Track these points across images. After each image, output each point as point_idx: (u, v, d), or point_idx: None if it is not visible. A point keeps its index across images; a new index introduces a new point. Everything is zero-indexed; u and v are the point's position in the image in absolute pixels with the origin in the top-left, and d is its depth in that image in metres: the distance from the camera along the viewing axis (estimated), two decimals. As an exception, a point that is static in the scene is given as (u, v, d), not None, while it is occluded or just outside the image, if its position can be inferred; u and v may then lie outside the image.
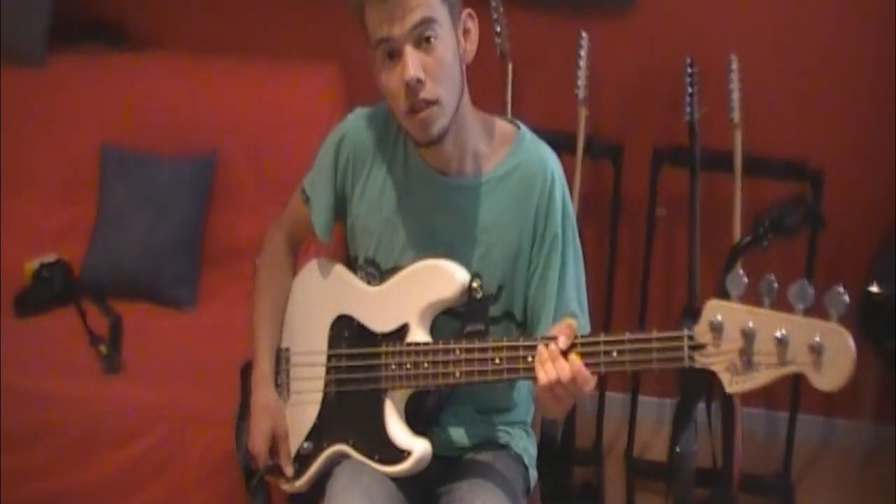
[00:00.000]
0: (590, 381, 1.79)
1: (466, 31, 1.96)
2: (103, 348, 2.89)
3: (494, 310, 2.04)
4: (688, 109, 3.18)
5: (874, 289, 2.95)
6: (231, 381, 2.28)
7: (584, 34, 3.20)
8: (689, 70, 3.21)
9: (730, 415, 2.94)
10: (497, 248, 2.02)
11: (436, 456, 1.99)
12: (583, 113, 3.19)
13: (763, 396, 3.58)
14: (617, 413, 3.58)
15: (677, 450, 2.83)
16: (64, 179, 3.37)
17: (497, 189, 2.03)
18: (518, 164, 2.03)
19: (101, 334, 2.95)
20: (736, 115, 3.15)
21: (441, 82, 1.89)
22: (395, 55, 1.88)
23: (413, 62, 1.86)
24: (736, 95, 3.15)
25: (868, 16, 3.30)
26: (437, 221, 2.04)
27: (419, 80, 1.86)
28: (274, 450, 2.14)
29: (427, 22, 1.86)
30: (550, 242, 2.02)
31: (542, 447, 2.31)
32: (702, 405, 3.05)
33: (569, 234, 2.05)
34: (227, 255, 3.27)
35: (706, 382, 3.01)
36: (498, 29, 3.20)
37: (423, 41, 1.87)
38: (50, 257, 3.20)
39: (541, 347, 1.81)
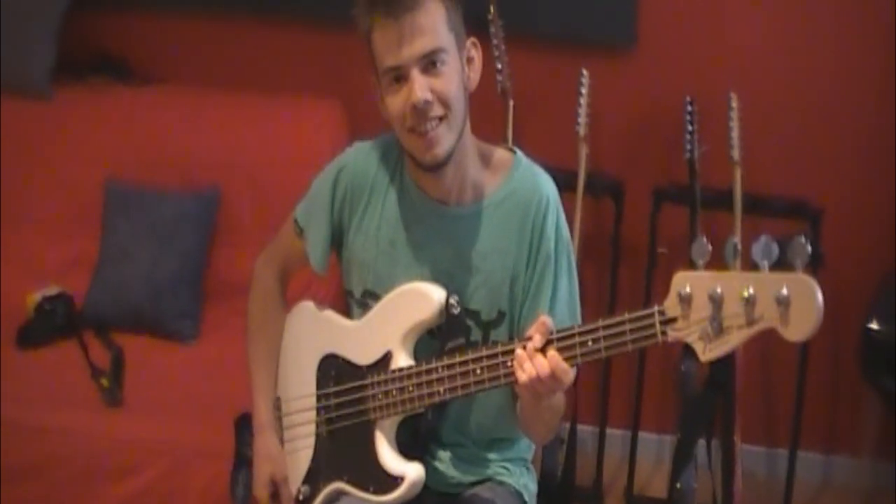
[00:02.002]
0: (568, 373, 1.78)
1: (470, 60, 1.98)
2: (105, 382, 2.89)
3: (497, 334, 2.04)
4: (688, 147, 3.20)
5: (874, 326, 2.95)
6: (232, 416, 2.29)
7: (584, 72, 3.22)
8: (689, 108, 3.22)
9: (729, 452, 2.94)
10: (497, 274, 2.03)
11: (436, 493, 2.00)
12: (583, 150, 3.21)
13: (763, 434, 3.58)
14: (617, 450, 3.57)
15: (678, 486, 2.83)
16: (67, 213, 3.39)
17: (494, 215, 2.03)
18: (513, 190, 2.04)
19: (103, 368, 2.95)
20: (736, 154, 3.16)
21: (447, 105, 1.91)
22: (401, 79, 1.90)
23: (420, 85, 1.88)
24: (736, 134, 3.17)
25: (869, 54, 3.32)
26: (437, 251, 2.05)
27: (427, 101, 1.88)
28: (275, 496, 2.15)
29: (436, 51, 1.89)
30: (543, 264, 2.02)
31: (542, 484, 2.30)
32: (702, 442, 3.04)
33: (562, 257, 2.05)
34: (230, 290, 3.26)
35: (707, 420, 3.02)
36: (499, 66, 3.22)
37: (430, 66, 1.89)
38: (52, 290, 3.21)
39: (518, 350, 1.81)
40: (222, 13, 3.60)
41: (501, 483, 2.16)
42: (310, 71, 3.60)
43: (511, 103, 3.24)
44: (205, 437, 2.69)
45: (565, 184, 3.17)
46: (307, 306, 2.21)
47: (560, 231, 2.05)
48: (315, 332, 2.17)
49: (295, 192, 2.92)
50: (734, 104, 3.18)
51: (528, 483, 2.21)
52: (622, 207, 3.39)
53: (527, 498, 2.19)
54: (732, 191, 3.17)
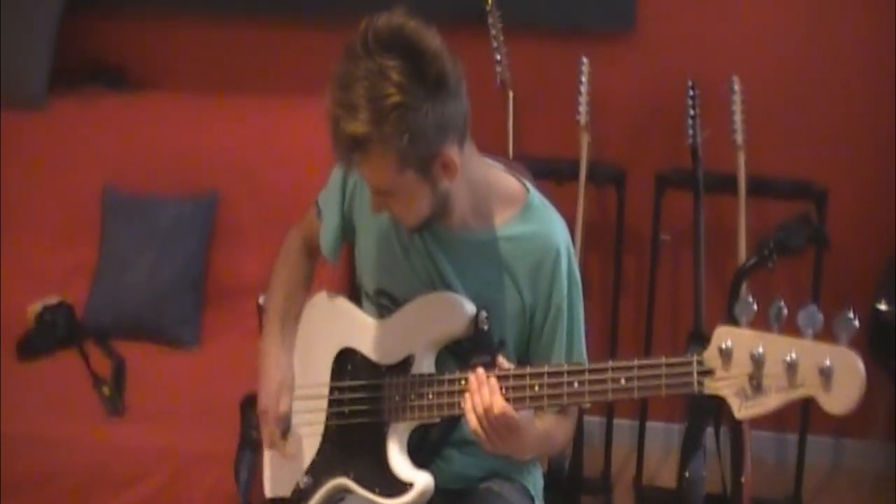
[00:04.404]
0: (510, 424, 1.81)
1: (446, 166, 1.84)
2: (107, 390, 2.88)
3: None
4: (690, 132, 3.18)
5: (882, 307, 2.94)
6: (235, 422, 2.27)
7: (584, 59, 3.20)
8: (691, 93, 3.20)
9: (739, 439, 2.92)
10: (502, 305, 2.00)
11: (442, 489, 1.98)
12: (585, 139, 3.19)
13: (772, 419, 3.54)
14: (625, 440, 3.55)
15: (686, 475, 2.80)
16: (66, 221, 3.37)
17: (504, 249, 1.99)
18: (527, 234, 1.99)
19: (105, 377, 2.94)
20: (739, 137, 3.14)
21: (404, 214, 1.91)
22: None
23: (373, 202, 1.90)
24: (738, 117, 3.15)
25: (872, 35, 3.30)
26: (444, 268, 2.01)
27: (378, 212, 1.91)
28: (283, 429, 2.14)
29: (383, 192, 1.86)
30: (555, 312, 2.01)
31: (549, 477, 2.30)
32: (710, 430, 3.02)
33: (575, 305, 2.03)
34: (231, 295, 3.26)
35: (715, 407, 2.99)
36: (498, 57, 3.20)
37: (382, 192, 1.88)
38: (52, 300, 3.19)
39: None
40: (216, 17, 3.58)
41: (508, 478, 2.15)
42: (307, 73, 3.55)
43: (511, 94, 3.22)
44: (207, 443, 2.66)
45: (567, 172, 3.18)
46: (328, 296, 2.20)
47: (573, 277, 2.02)
48: (334, 323, 2.15)
49: (294, 195, 2.92)
50: (737, 87, 3.16)
51: (535, 477, 2.21)
52: (625, 194, 3.37)
53: (534, 492, 2.19)
54: (736, 174, 3.15)
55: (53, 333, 3.13)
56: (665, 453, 3.61)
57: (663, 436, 3.62)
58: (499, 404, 1.80)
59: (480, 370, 1.85)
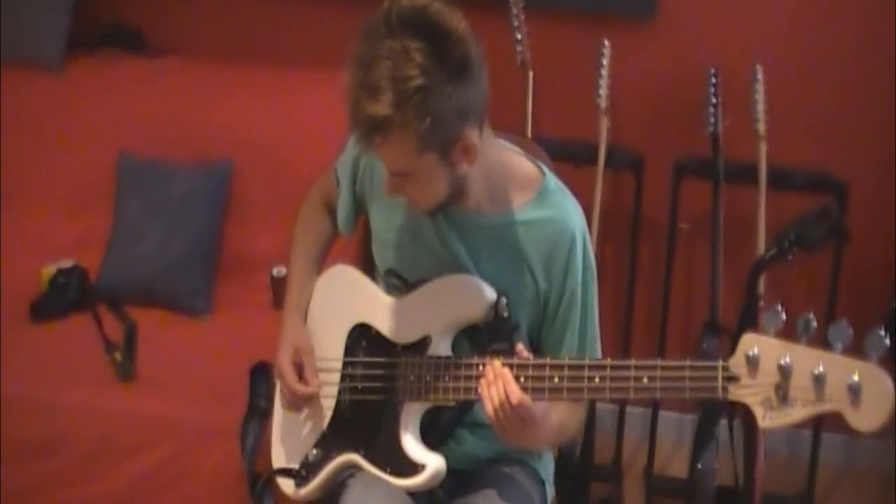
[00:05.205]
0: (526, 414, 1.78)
1: (466, 150, 1.82)
2: (118, 356, 2.86)
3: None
4: (711, 120, 3.14)
5: (901, 302, 2.92)
6: (244, 394, 2.25)
7: (606, 42, 3.17)
8: (713, 80, 3.17)
9: (752, 432, 2.89)
10: (513, 291, 1.97)
11: (451, 469, 1.96)
12: (604, 123, 3.16)
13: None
14: (637, 429, 3.53)
15: (698, 466, 2.78)
16: (80, 186, 3.35)
17: (518, 235, 1.97)
18: (540, 218, 1.97)
19: (116, 342, 2.93)
20: (760, 127, 3.11)
21: (420, 197, 1.87)
22: None
23: (388, 186, 1.87)
24: (760, 106, 3.12)
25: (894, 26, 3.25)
26: (457, 251, 1.99)
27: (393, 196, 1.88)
28: (298, 363, 2.10)
29: (400, 174, 1.83)
30: (569, 299, 1.99)
31: (559, 463, 2.28)
32: (723, 422, 3.00)
33: (589, 292, 2.01)
34: (243, 265, 3.25)
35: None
36: (518, 37, 3.17)
37: (400, 175, 1.84)
38: (67, 263, 3.18)
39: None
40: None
41: (519, 461, 2.14)
42: (326, 46, 3.52)
43: (531, 75, 3.19)
44: (216, 414, 2.64)
45: (585, 156, 3.15)
46: (345, 269, 2.18)
47: (587, 264, 2.00)
48: (351, 297, 2.13)
49: (308, 166, 2.91)
50: (759, 76, 3.13)
51: (545, 462, 2.19)
52: (642, 181, 3.34)
53: (544, 476, 2.18)
54: (756, 165, 3.12)
55: (66, 296, 3.12)
56: (677, 443, 3.59)
57: (676, 426, 3.60)
58: (516, 395, 1.78)
59: (497, 363, 1.82)
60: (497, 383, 1.80)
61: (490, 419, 1.82)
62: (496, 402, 1.79)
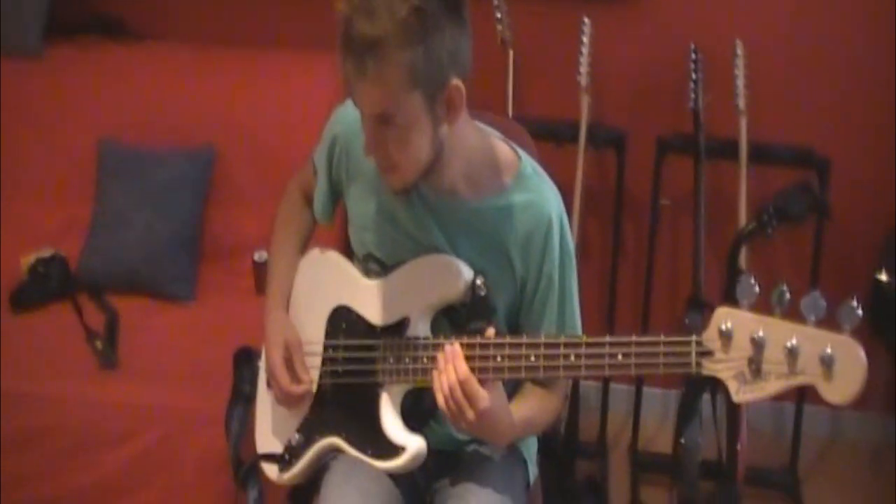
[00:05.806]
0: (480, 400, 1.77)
1: (451, 102, 1.79)
2: (99, 344, 2.86)
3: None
4: (692, 97, 3.14)
5: (883, 278, 2.92)
6: (228, 381, 2.25)
7: (586, 20, 3.17)
8: (694, 56, 3.17)
9: (735, 407, 2.90)
10: (490, 276, 1.95)
11: (433, 451, 1.96)
12: (585, 101, 3.16)
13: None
14: (621, 405, 3.55)
15: (682, 442, 2.79)
16: (61, 173, 3.34)
17: (495, 220, 1.95)
18: (517, 203, 1.95)
19: (98, 330, 2.92)
20: (741, 103, 3.11)
21: (401, 153, 1.81)
22: None
23: (367, 140, 1.82)
24: (741, 82, 3.12)
25: (878, 3, 3.24)
26: (434, 235, 1.98)
27: (370, 155, 1.83)
28: (288, 360, 2.09)
29: (386, 114, 1.77)
30: (546, 285, 1.98)
31: (544, 441, 2.28)
32: (707, 397, 3.01)
33: (567, 276, 2.00)
34: (227, 251, 3.25)
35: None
36: (499, 15, 3.17)
37: (384, 122, 1.78)
38: (46, 252, 3.17)
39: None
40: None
41: (501, 442, 2.13)
42: (307, 27, 3.52)
43: (511, 53, 3.19)
44: (200, 402, 2.63)
45: (567, 134, 3.15)
46: (325, 252, 2.17)
47: (565, 248, 1.99)
48: (330, 280, 2.12)
49: (291, 151, 2.90)
50: (739, 51, 3.13)
51: (528, 442, 2.19)
52: (625, 158, 3.34)
53: (527, 456, 2.17)
54: (738, 140, 3.12)
55: (46, 286, 3.11)
56: (661, 419, 3.60)
57: (660, 402, 3.61)
58: (462, 371, 1.77)
59: (448, 346, 1.81)
60: (447, 366, 1.79)
61: (438, 402, 1.81)
62: (444, 383, 1.79)
